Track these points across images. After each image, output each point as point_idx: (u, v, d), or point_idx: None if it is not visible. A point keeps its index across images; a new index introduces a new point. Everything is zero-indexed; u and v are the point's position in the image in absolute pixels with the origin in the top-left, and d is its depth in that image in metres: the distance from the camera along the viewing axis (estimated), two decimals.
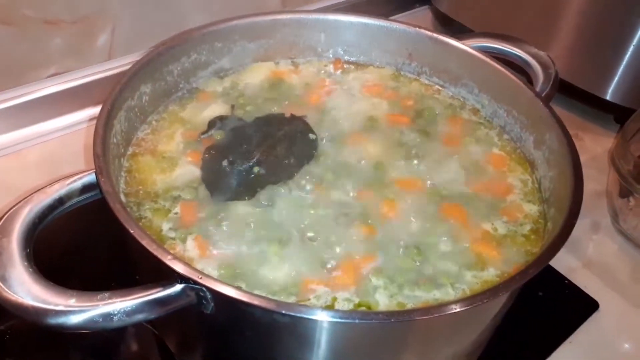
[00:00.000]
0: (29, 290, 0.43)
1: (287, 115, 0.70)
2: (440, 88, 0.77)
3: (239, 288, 0.43)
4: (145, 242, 0.45)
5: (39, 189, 0.50)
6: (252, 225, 0.57)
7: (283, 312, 0.42)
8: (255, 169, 0.62)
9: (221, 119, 0.69)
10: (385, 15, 1.19)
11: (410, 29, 0.75)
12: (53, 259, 0.56)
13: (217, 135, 0.67)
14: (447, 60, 0.75)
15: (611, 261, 0.78)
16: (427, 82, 0.78)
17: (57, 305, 0.42)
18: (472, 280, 0.54)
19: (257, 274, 0.53)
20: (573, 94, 0.97)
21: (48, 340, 0.63)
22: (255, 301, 0.42)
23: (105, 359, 0.64)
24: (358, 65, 0.80)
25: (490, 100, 0.73)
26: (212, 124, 0.68)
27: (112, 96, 0.58)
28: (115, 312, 0.43)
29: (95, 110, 0.89)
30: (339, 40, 0.79)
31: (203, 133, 0.67)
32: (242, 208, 0.59)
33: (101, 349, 0.64)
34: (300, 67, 0.79)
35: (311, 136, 0.68)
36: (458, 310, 0.43)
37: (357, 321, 0.42)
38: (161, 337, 0.63)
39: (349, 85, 0.77)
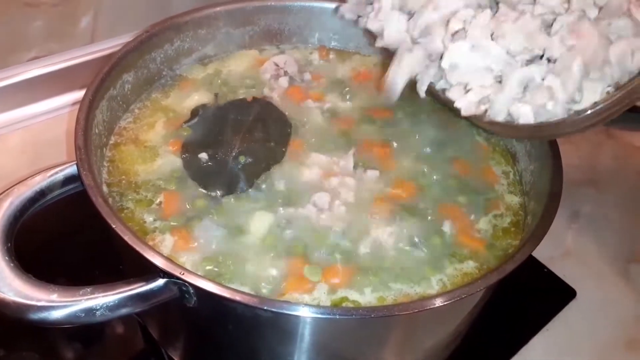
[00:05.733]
0: (10, 286, 0.43)
1: (249, 99, 0.70)
2: None
3: (221, 284, 0.43)
4: (127, 238, 0.45)
5: (20, 181, 0.50)
6: (236, 215, 0.57)
7: (265, 308, 0.42)
8: (242, 159, 0.62)
9: (204, 107, 0.68)
10: None
11: None
12: (35, 251, 0.56)
13: (184, 131, 0.65)
14: None
15: (590, 250, 0.79)
16: None
17: (39, 300, 0.43)
18: (453, 273, 0.55)
19: (242, 267, 0.53)
20: None
21: (34, 326, 0.63)
22: (238, 297, 0.42)
23: (90, 343, 0.65)
24: (344, 52, 0.80)
25: None
26: (195, 112, 0.68)
27: (94, 86, 0.57)
28: (98, 307, 0.43)
29: (77, 94, 0.88)
30: (325, 28, 0.78)
31: (186, 122, 0.66)
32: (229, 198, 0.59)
33: (86, 334, 0.65)
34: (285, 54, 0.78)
35: (281, 116, 0.68)
36: (437, 305, 0.44)
37: (337, 317, 0.43)
38: (145, 325, 0.63)
39: (334, 73, 0.76)
